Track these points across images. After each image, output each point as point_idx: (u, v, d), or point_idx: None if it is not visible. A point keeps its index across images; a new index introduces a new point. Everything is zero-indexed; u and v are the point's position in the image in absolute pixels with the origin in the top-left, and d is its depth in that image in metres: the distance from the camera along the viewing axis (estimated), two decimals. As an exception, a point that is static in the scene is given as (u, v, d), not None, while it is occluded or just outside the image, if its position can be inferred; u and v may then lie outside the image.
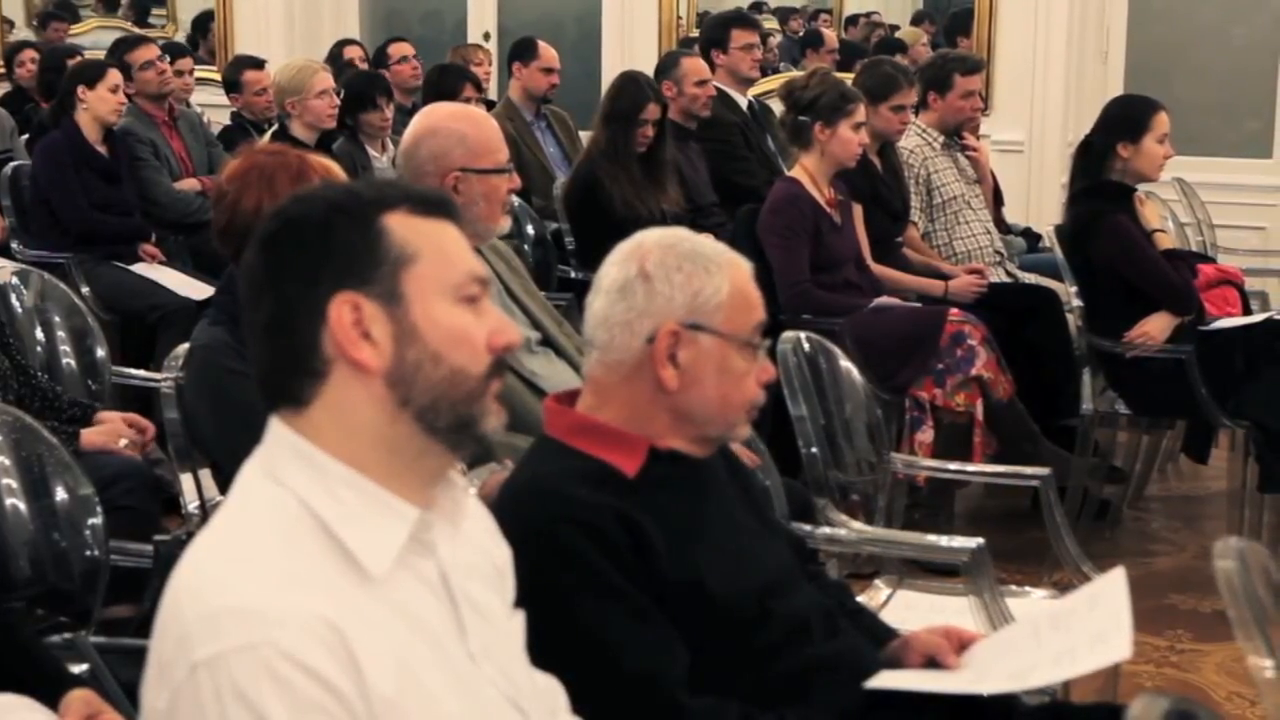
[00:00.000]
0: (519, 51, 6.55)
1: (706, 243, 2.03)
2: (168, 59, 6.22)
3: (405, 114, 5.70)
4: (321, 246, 1.49)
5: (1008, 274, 5.15)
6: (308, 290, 1.47)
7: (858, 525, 3.11)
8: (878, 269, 4.68)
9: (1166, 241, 4.87)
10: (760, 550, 2.07)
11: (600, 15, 7.98)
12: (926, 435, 4.35)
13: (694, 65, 5.69)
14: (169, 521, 3.36)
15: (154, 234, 5.60)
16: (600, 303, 1.99)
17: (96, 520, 2.69)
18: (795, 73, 6.51)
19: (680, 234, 2.03)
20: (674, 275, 1.96)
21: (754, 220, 4.57)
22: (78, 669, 2.40)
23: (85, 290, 5.17)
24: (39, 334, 3.84)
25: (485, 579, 1.59)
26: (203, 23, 8.75)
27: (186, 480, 2.91)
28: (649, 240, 2.01)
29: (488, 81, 7.04)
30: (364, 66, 6.91)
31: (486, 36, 8.25)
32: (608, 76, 6.50)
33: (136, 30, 8.56)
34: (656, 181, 5.17)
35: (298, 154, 2.66)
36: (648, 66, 6.04)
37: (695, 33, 7.51)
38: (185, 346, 2.84)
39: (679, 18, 7.81)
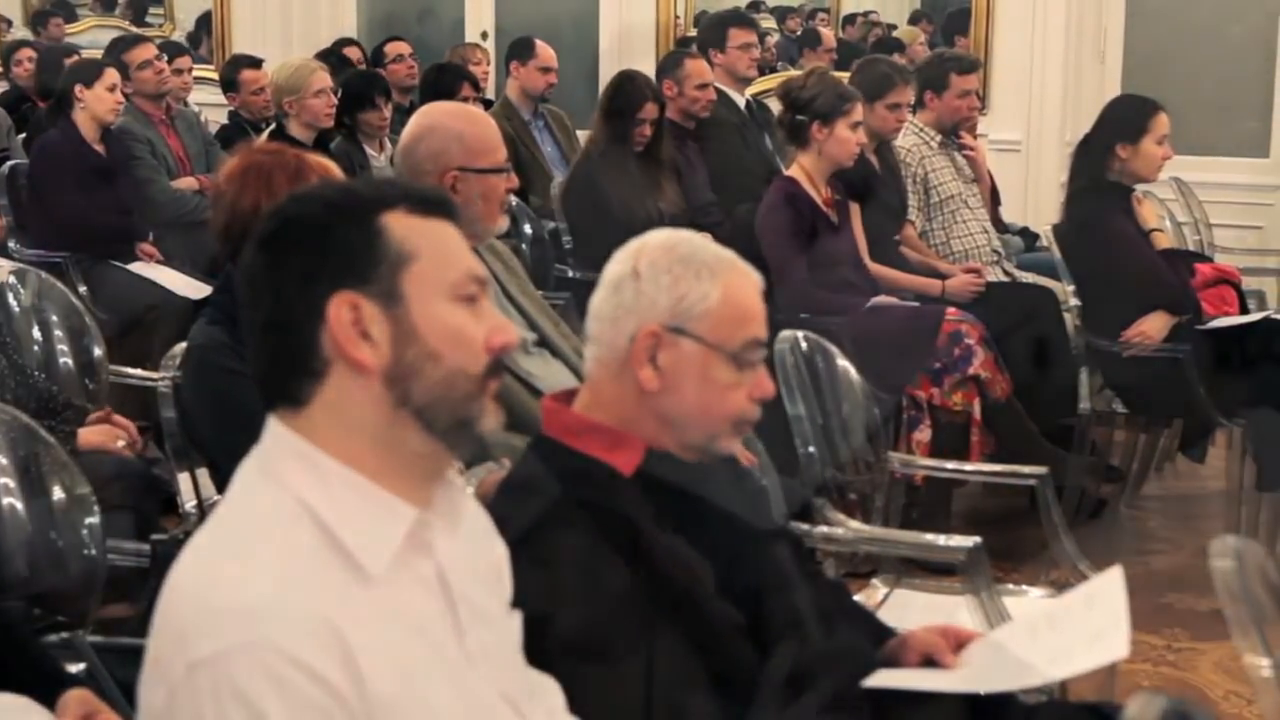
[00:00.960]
0: (517, 51, 6.55)
1: (710, 249, 1.99)
2: (165, 58, 6.22)
3: (402, 113, 5.70)
4: (320, 246, 1.49)
5: (1005, 273, 5.14)
6: (306, 290, 1.47)
7: (855, 524, 3.12)
8: (875, 268, 4.68)
9: (1164, 241, 4.87)
10: (758, 549, 2.07)
11: (598, 15, 7.97)
12: (924, 434, 4.35)
13: (696, 67, 5.68)
14: (166, 521, 3.35)
15: (151, 233, 5.59)
16: (597, 297, 1.99)
17: (94, 520, 2.69)
18: (793, 72, 6.51)
19: (684, 237, 2.01)
20: (662, 277, 1.94)
21: (752, 220, 4.57)
22: (75, 668, 2.40)
23: (82, 289, 5.16)
24: (36, 333, 3.83)
25: (483, 579, 1.59)
26: (207, 21, 8.75)
27: (184, 480, 2.92)
28: (652, 240, 1.99)
29: (485, 81, 7.03)
30: (361, 66, 6.91)
31: (484, 36, 8.24)
32: (605, 76, 6.50)
33: (134, 29, 8.56)
34: (654, 181, 5.17)
35: (295, 153, 2.66)
36: (645, 66, 6.05)
37: (693, 32, 7.51)
38: (183, 346, 2.84)
39: (676, 17, 7.80)
